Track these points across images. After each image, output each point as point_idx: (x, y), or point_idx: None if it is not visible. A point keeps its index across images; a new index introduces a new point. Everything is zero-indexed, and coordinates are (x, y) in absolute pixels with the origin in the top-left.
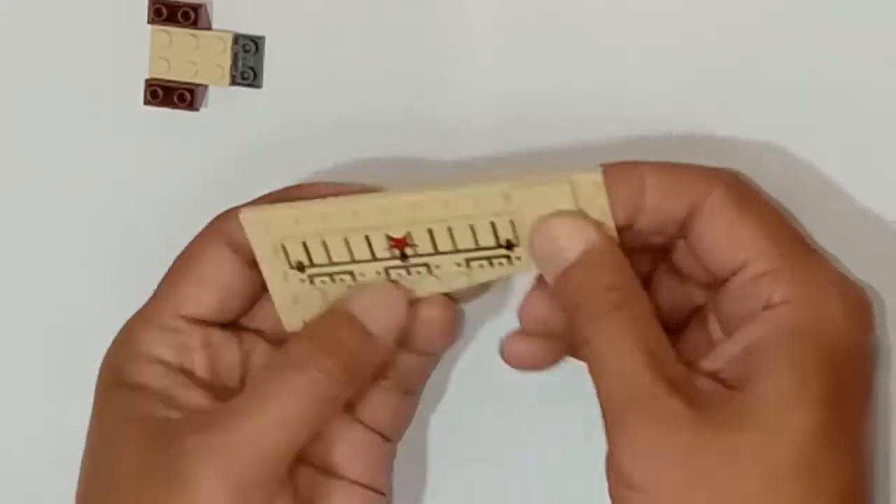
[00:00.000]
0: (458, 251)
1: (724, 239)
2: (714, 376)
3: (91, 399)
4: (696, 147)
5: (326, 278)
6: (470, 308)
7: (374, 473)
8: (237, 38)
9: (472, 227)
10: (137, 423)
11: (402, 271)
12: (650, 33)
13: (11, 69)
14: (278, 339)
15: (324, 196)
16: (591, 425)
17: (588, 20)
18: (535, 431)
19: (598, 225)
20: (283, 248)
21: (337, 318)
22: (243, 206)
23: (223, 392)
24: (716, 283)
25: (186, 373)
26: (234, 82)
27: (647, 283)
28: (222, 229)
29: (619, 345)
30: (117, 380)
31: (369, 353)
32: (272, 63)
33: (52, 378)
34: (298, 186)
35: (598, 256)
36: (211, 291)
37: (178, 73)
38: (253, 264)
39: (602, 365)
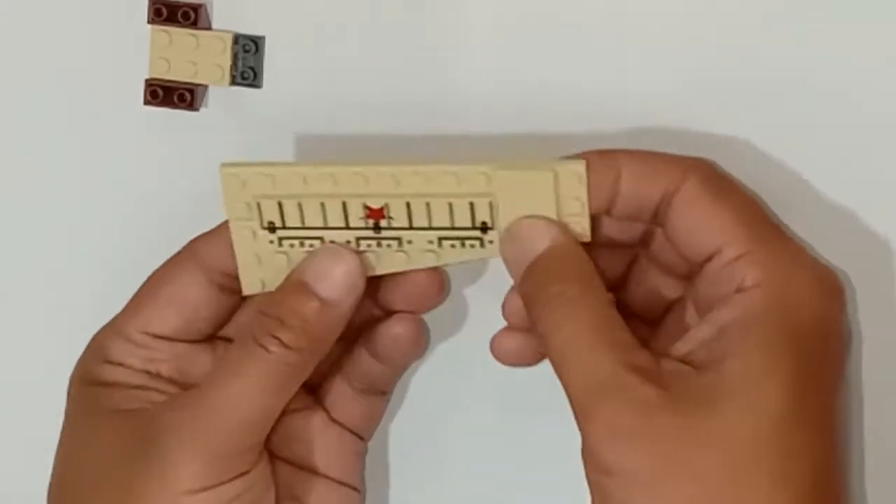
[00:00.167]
0: (432, 228)
1: (698, 224)
2: (684, 359)
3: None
4: (696, 147)
5: (296, 242)
6: (463, 308)
7: (349, 471)
8: (237, 38)
9: (450, 206)
10: (113, 416)
11: (373, 242)
12: (650, 33)
13: (11, 69)
14: None
15: None
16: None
17: (588, 20)
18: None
19: (564, 225)
20: (258, 205)
21: (290, 287)
22: (214, 229)
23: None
24: (692, 272)
25: (158, 376)
26: (234, 82)
27: (626, 275)
28: (198, 252)
29: (579, 337)
30: (89, 380)
31: (326, 321)
32: (272, 63)
33: (52, 378)
34: None
35: (558, 252)
36: (178, 313)
37: (178, 73)
38: (225, 288)
39: (564, 358)
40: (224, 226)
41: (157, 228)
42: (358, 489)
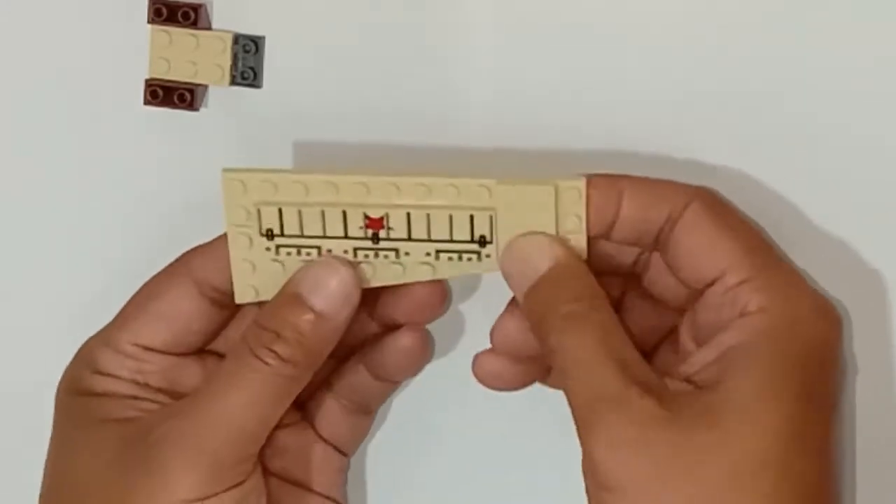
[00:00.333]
0: (431, 241)
1: (702, 249)
2: (687, 380)
3: None
4: (695, 147)
5: (293, 250)
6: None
7: (333, 485)
8: (237, 38)
9: (450, 218)
10: (106, 425)
11: (370, 253)
12: (650, 33)
13: (11, 69)
14: None
15: None
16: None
17: (588, 20)
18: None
19: (566, 242)
20: (258, 211)
21: (285, 299)
22: (210, 243)
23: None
24: (688, 301)
25: (146, 387)
26: (234, 82)
27: (617, 307)
28: (190, 265)
29: (586, 352)
30: (79, 390)
31: (321, 333)
32: (272, 63)
33: (52, 377)
34: None
35: (564, 270)
36: (168, 327)
37: (178, 73)
38: (217, 303)
39: (570, 372)
40: (219, 240)
41: (156, 228)
42: (341, 503)
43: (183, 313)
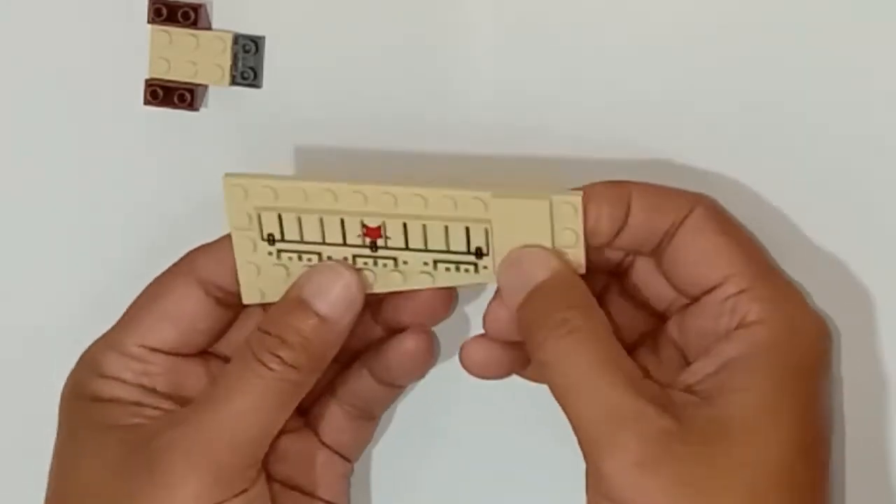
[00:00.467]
0: (428, 251)
1: (703, 256)
2: (689, 391)
3: None
4: (694, 149)
5: (294, 255)
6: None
7: (337, 492)
8: (237, 38)
9: (446, 229)
10: (109, 431)
11: (370, 261)
12: (651, 34)
13: (11, 69)
14: None
15: None
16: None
17: (588, 20)
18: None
19: (562, 255)
20: (259, 216)
21: (289, 304)
22: (214, 243)
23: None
24: (672, 306)
25: (151, 391)
26: (234, 82)
27: (598, 304)
28: (194, 265)
29: (589, 366)
30: (84, 395)
31: (325, 338)
32: (272, 63)
33: (52, 377)
34: None
35: (560, 281)
36: (174, 327)
37: (178, 73)
38: (222, 302)
39: (574, 389)
40: (223, 240)
41: (157, 228)
42: None
43: (188, 313)
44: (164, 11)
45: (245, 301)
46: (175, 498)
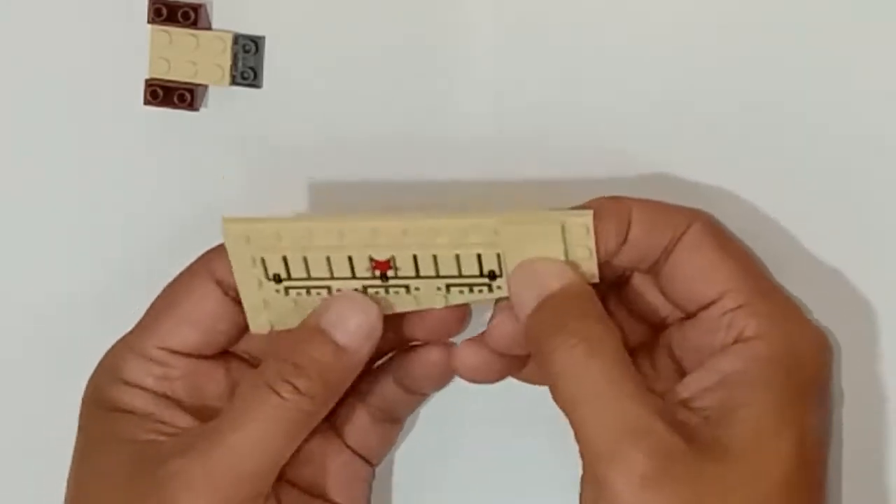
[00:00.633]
0: (440, 277)
1: (701, 271)
2: (685, 405)
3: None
4: (694, 149)
5: (302, 291)
6: None
7: (358, 496)
8: (237, 38)
9: (457, 257)
10: (122, 446)
11: (381, 290)
12: (651, 34)
13: (12, 69)
14: None
15: None
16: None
17: (588, 20)
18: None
19: (575, 267)
20: (263, 260)
21: (307, 333)
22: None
23: (210, 414)
24: (667, 320)
25: (171, 399)
26: (234, 82)
27: None
28: (211, 265)
29: (602, 378)
30: (102, 403)
31: (342, 368)
32: (272, 63)
33: (52, 377)
34: None
35: (575, 291)
36: (195, 328)
37: (178, 73)
38: (240, 302)
39: (584, 401)
40: None
41: (157, 229)
42: None
43: (208, 314)
44: (164, 11)
45: (253, 331)
46: None
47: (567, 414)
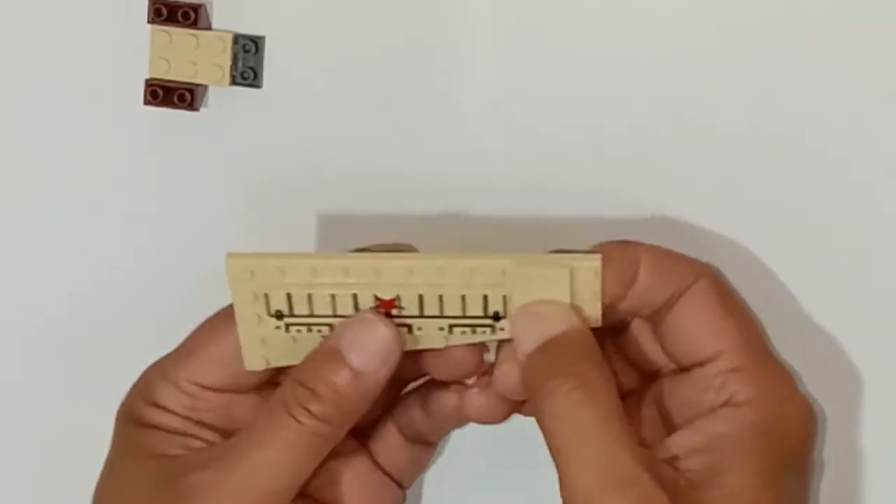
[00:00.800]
0: (443, 317)
1: (701, 328)
2: (670, 463)
3: (88, 398)
4: (695, 151)
5: (303, 328)
6: None
7: None
8: (237, 38)
9: (463, 297)
10: (148, 460)
11: None
12: (651, 34)
13: (11, 69)
14: None
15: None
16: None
17: (588, 20)
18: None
19: (579, 310)
20: (265, 296)
21: (324, 355)
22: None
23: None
24: (659, 371)
25: (202, 424)
26: (234, 82)
27: None
28: None
29: (594, 423)
30: (132, 419)
31: (358, 392)
32: (272, 63)
33: (52, 377)
34: None
35: (577, 335)
36: (226, 371)
37: (178, 73)
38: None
39: (573, 441)
40: None
41: (156, 229)
42: None
43: (240, 359)
44: (164, 11)
45: (247, 368)
46: None
47: (554, 455)
